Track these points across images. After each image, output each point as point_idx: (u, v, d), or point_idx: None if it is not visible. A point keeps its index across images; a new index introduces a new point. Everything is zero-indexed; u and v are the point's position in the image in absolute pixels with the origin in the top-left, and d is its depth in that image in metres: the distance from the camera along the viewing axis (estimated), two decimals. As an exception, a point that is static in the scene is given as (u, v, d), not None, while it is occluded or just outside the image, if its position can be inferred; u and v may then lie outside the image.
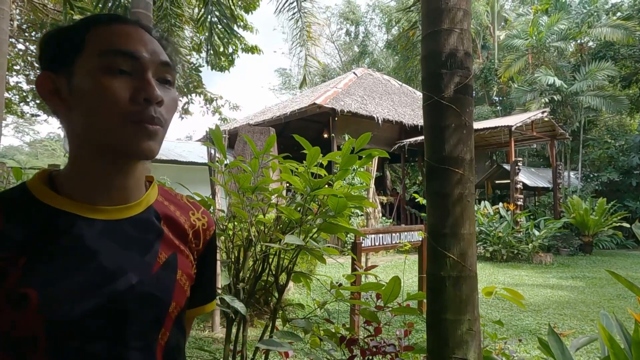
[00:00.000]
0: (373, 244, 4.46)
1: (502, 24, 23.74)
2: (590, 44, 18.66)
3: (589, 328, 4.57)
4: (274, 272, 1.75)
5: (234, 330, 1.70)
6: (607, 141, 16.31)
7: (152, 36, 0.69)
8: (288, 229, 1.79)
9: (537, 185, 15.47)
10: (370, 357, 1.83)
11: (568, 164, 17.32)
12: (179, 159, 11.82)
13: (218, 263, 1.10)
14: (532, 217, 11.47)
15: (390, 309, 1.81)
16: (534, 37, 16.72)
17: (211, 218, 0.85)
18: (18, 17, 10.00)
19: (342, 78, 16.27)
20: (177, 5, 6.13)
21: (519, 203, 10.91)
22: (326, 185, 1.64)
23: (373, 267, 2.25)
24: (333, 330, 1.87)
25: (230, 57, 10.64)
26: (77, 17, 6.88)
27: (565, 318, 5.00)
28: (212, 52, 6.74)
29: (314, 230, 1.70)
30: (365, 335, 1.96)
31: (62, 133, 12.65)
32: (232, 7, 6.26)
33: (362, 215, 10.30)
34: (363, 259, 4.75)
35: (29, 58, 11.07)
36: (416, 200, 7.40)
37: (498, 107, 22.87)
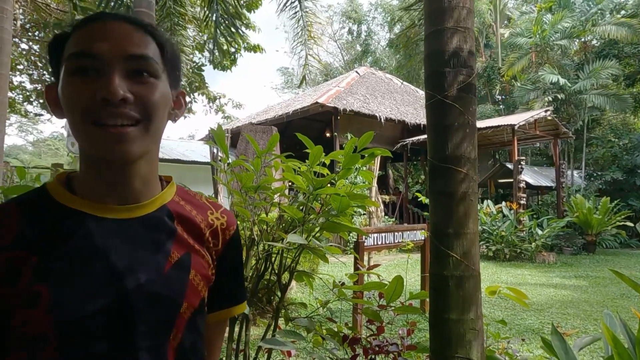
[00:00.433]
0: (376, 243, 4.46)
1: (505, 22, 23.65)
2: (594, 42, 18.58)
3: (592, 327, 4.55)
4: (276, 271, 1.75)
5: (236, 329, 1.70)
6: (611, 140, 16.25)
7: (137, 26, 0.67)
8: (291, 228, 1.79)
9: (541, 184, 15.43)
10: (373, 356, 1.82)
11: (571, 162, 17.26)
12: (181, 158, 11.84)
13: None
14: (535, 216, 11.45)
15: (392, 308, 1.81)
16: (538, 36, 16.64)
17: (232, 217, 0.83)
18: (21, 17, 10.04)
19: (345, 77, 16.25)
20: (180, 4, 6.14)
21: (522, 202, 10.87)
22: (329, 184, 1.64)
23: (375, 266, 2.25)
24: (336, 329, 1.87)
25: (232, 56, 10.64)
26: (80, 17, 6.90)
27: (569, 317, 4.99)
28: (217, 50, 6.74)
29: (317, 229, 1.70)
30: (367, 335, 1.96)
31: (65, 132, 12.69)
32: (237, 5, 6.26)
33: (364, 214, 10.30)
34: (365, 258, 4.74)
35: (32, 58, 11.11)
36: (419, 200, 7.39)
37: (501, 106, 22.80)
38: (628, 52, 17.55)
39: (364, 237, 4.16)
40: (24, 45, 11.01)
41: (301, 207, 1.73)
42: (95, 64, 0.62)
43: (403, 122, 13.71)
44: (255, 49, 11.09)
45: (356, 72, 16.51)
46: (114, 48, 0.63)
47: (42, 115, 13.47)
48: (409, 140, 13.50)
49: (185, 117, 14.13)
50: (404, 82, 17.99)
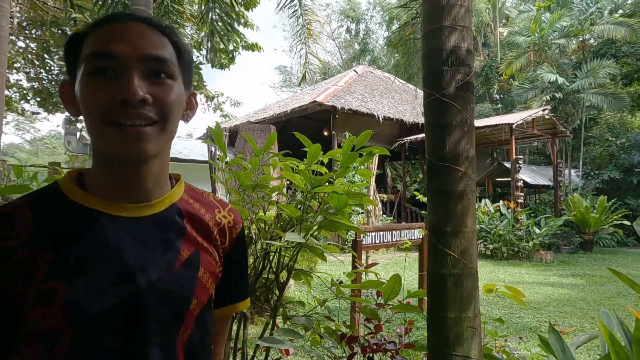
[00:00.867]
0: (374, 242, 4.46)
1: (504, 21, 23.65)
2: (592, 41, 18.61)
3: (589, 326, 4.57)
4: (274, 270, 1.75)
5: (234, 327, 1.70)
6: (608, 139, 16.30)
7: (154, 28, 0.68)
8: (288, 226, 1.79)
9: (538, 183, 15.47)
10: (371, 355, 1.83)
11: (569, 161, 17.30)
12: (179, 156, 11.82)
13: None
14: (532, 214, 11.47)
15: (390, 306, 1.81)
16: (536, 34, 16.66)
17: (238, 216, 0.85)
18: (18, 15, 9.99)
19: (343, 76, 16.25)
20: (178, 2, 6.12)
21: (520, 201, 10.90)
22: (327, 183, 1.64)
23: (373, 264, 2.25)
24: (333, 328, 1.87)
25: (231, 55, 10.62)
26: (76, 15, 6.87)
27: (566, 316, 5.01)
28: (211, 50, 6.73)
29: (315, 227, 1.70)
30: (365, 333, 1.96)
31: (62, 131, 12.65)
32: (234, 3, 6.24)
33: (362, 212, 10.31)
34: (363, 257, 4.75)
35: (29, 55, 11.06)
36: (416, 198, 7.40)
37: (499, 105, 22.83)
38: (625, 52, 17.58)
39: (362, 235, 4.16)
40: (20, 43, 10.97)
41: (299, 206, 1.73)
42: (114, 65, 0.62)
43: (401, 121, 13.72)
44: (253, 47, 11.07)
45: (354, 70, 16.51)
46: (133, 49, 0.63)
47: (39, 113, 13.42)
48: (407, 139, 13.51)
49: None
50: (402, 81, 17.99)
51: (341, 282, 1.78)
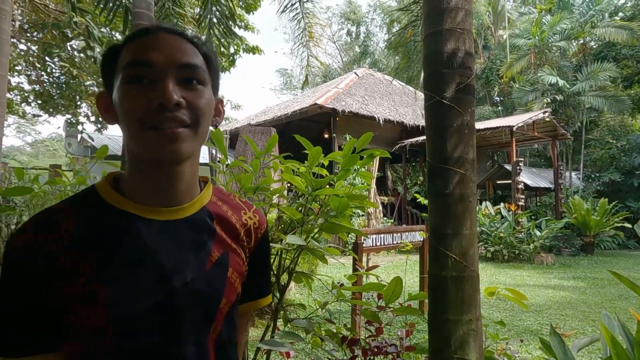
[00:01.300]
0: (374, 244, 4.46)
1: (504, 24, 23.68)
2: (592, 44, 18.62)
3: (590, 329, 4.56)
4: (275, 272, 1.75)
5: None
6: (609, 141, 16.28)
7: (185, 39, 0.72)
8: (289, 229, 1.79)
9: (539, 186, 15.45)
10: (372, 358, 1.82)
11: (570, 164, 17.29)
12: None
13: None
14: (533, 217, 11.45)
15: (391, 309, 1.81)
16: (537, 37, 16.68)
17: (263, 216, 0.89)
18: (19, 18, 10.02)
19: (343, 78, 16.26)
20: (179, 5, 6.13)
21: (521, 203, 10.89)
22: (327, 185, 1.64)
23: (374, 267, 2.25)
24: (334, 331, 1.86)
25: (231, 58, 10.63)
26: (77, 18, 6.89)
27: (567, 318, 4.99)
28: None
29: (316, 230, 1.70)
30: (366, 336, 1.96)
31: (63, 133, 12.67)
32: (233, 7, 6.26)
33: (363, 215, 10.30)
34: (364, 259, 4.74)
35: (30, 58, 11.08)
36: (417, 201, 7.40)
37: (499, 108, 22.84)
38: (626, 54, 17.59)
39: (362, 238, 4.15)
40: (22, 46, 10.99)
41: (300, 208, 1.73)
42: (150, 72, 0.66)
43: (402, 124, 13.73)
44: (254, 50, 11.08)
45: (355, 73, 16.53)
46: (167, 57, 0.67)
47: (40, 116, 13.42)
48: (408, 141, 13.51)
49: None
50: (403, 83, 18.01)
51: (342, 284, 1.78)
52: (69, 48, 10.30)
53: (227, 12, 6.01)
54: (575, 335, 4.11)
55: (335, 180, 1.75)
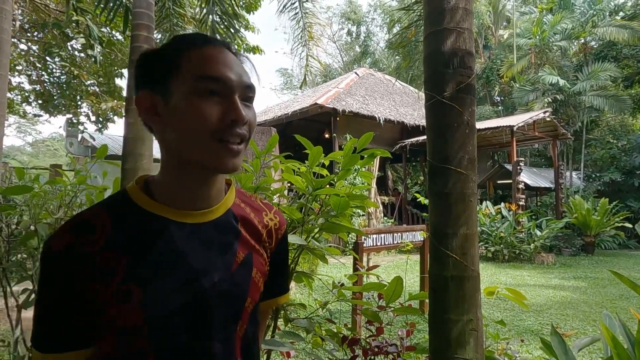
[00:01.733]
0: (375, 244, 4.46)
1: (504, 23, 23.67)
2: (593, 43, 18.61)
3: (591, 328, 4.56)
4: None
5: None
6: (610, 141, 16.27)
7: (235, 55, 0.76)
8: (290, 228, 1.79)
9: (539, 186, 15.44)
10: (372, 357, 1.82)
11: (570, 164, 17.27)
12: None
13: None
14: (534, 217, 11.45)
15: (392, 309, 1.81)
16: (538, 37, 16.66)
17: (283, 218, 0.92)
18: (20, 17, 10.02)
19: (344, 78, 16.26)
20: (180, 5, 6.13)
21: (521, 203, 10.88)
22: (328, 185, 1.64)
23: (375, 267, 2.25)
24: (335, 330, 1.86)
25: (231, 57, 10.60)
26: (78, 17, 6.89)
27: (568, 318, 4.99)
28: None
29: (316, 230, 1.70)
30: (367, 335, 1.96)
31: (64, 133, 12.67)
32: (234, 6, 6.25)
33: (363, 215, 10.30)
34: (365, 259, 4.74)
35: (31, 58, 11.09)
36: (417, 200, 7.40)
37: (500, 107, 22.82)
38: (626, 54, 17.58)
39: (363, 238, 4.16)
40: (22, 46, 11.00)
41: (300, 208, 1.73)
42: (220, 88, 0.70)
43: (402, 123, 13.72)
44: (254, 50, 11.08)
45: (355, 73, 16.52)
46: (237, 76, 0.72)
47: (40, 116, 13.43)
48: (408, 141, 13.50)
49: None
50: (403, 83, 18.01)
51: (342, 284, 1.78)
52: (69, 48, 10.30)
53: (229, 11, 6.00)
54: (576, 335, 4.11)
55: (336, 180, 1.75)
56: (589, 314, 5.18)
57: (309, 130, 14.76)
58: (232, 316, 0.75)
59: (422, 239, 4.90)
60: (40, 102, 11.98)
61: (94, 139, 13.12)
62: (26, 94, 12.08)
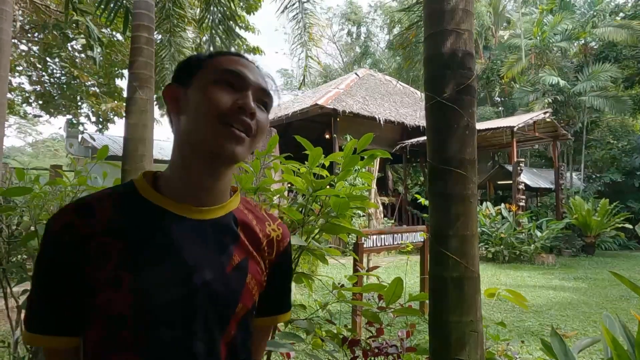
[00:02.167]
0: (375, 245, 4.45)
1: (505, 24, 23.68)
2: (593, 44, 18.61)
3: (591, 330, 4.55)
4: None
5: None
6: (610, 142, 16.25)
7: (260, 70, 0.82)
8: (290, 229, 1.79)
9: (540, 186, 15.43)
10: (373, 358, 1.82)
11: (570, 164, 17.26)
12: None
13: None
14: (534, 218, 11.44)
15: (392, 310, 1.81)
16: (538, 37, 16.66)
17: (286, 230, 0.92)
18: (20, 18, 10.03)
19: (344, 79, 16.26)
20: (180, 6, 6.14)
21: (521, 204, 10.88)
22: (328, 186, 1.64)
23: (375, 268, 2.25)
24: (335, 331, 1.86)
25: (232, 58, 10.62)
26: (77, 18, 6.90)
27: (568, 319, 4.99)
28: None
29: (316, 230, 1.70)
30: (367, 336, 1.95)
31: (64, 134, 12.68)
32: (234, 7, 6.26)
33: (363, 216, 10.29)
34: (365, 260, 4.74)
35: (31, 59, 11.10)
36: (418, 201, 7.38)
37: (500, 108, 22.81)
38: (627, 55, 17.57)
39: (363, 238, 4.15)
40: (23, 47, 11.01)
41: (301, 209, 1.73)
42: (237, 81, 0.75)
43: (402, 124, 13.72)
44: (254, 50, 11.11)
45: (355, 73, 16.52)
46: (254, 77, 0.77)
47: (41, 116, 13.45)
48: (409, 142, 13.51)
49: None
50: (403, 84, 18.01)
51: (342, 285, 1.78)
52: (69, 49, 10.31)
53: (228, 13, 6.01)
54: (576, 336, 4.11)
55: (336, 180, 1.75)
56: (589, 315, 5.18)
57: (309, 131, 14.75)
58: (219, 319, 0.74)
59: (422, 240, 4.90)
60: (40, 102, 12.00)
61: (94, 140, 13.12)
62: (26, 95, 12.10)
